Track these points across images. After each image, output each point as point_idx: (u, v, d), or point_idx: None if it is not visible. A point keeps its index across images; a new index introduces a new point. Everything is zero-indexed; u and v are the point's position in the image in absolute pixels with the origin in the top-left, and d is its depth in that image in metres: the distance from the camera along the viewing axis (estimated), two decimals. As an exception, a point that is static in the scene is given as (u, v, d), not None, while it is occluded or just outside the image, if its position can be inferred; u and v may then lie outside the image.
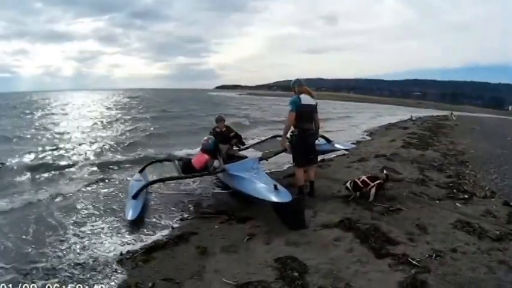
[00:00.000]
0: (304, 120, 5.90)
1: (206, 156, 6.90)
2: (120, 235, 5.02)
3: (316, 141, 6.75)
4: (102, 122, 22.53)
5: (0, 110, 33.37)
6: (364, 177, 5.89)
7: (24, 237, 4.93)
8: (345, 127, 22.18)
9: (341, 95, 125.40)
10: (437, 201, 5.92)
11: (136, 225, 5.28)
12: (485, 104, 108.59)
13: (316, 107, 6.11)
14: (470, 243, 4.25)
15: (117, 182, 7.95)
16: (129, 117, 26.10)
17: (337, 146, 8.36)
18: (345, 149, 9.15)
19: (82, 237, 4.91)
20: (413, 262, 3.72)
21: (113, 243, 4.72)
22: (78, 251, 4.49)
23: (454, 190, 6.51)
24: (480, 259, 3.85)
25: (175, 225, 5.39)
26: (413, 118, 27.87)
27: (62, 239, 4.86)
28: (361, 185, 5.79)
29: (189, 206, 6.33)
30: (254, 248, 4.30)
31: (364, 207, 5.49)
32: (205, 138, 7.22)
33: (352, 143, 11.25)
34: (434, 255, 3.89)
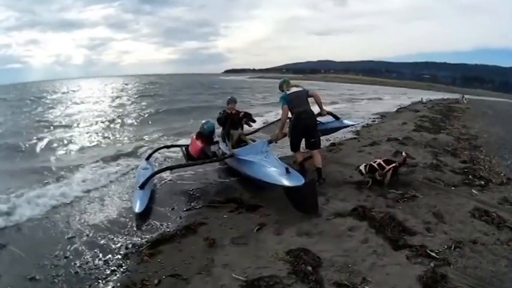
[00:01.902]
0: (297, 105, 6.00)
1: (200, 145, 6.63)
2: (126, 227, 4.80)
3: (324, 119, 7.31)
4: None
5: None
6: (380, 161, 5.65)
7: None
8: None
9: (350, 77, 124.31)
10: (453, 188, 5.68)
11: (143, 216, 5.06)
12: (495, 87, 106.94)
13: (306, 90, 6.25)
14: (490, 233, 4.07)
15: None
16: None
17: (346, 122, 8.27)
18: (354, 124, 8.99)
19: (87, 231, 4.71)
20: (432, 254, 3.55)
21: (119, 236, 4.51)
22: (82, 246, 4.29)
23: (470, 176, 6.25)
24: (500, 251, 3.68)
25: (183, 215, 5.17)
26: (424, 101, 27.42)
27: (67, 234, 4.67)
28: (377, 168, 5.54)
29: (197, 194, 6.09)
30: (265, 239, 4.08)
31: (378, 193, 5.29)
32: (204, 121, 7.02)
33: (361, 120, 11.59)
34: (453, 246, 3.73)
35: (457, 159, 7.70)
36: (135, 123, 16.11)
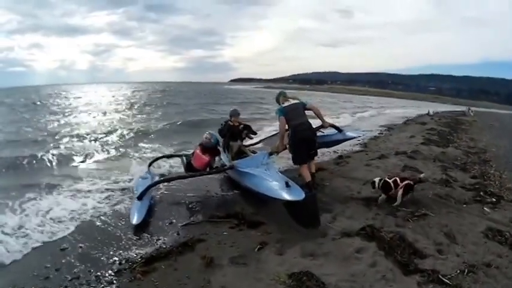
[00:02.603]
0: (293, 118, 5.99)
1: (206, 159, 6.44)
2: (121, 241, 4.54)
3: (327, 131, 7.23)
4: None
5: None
6: (396, 178, 5.35)
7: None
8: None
9: (357, 88, 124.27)
10: (464, 205, 5.39)
11: (140, 228, 4.86)
12: (501, 100, 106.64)
13: (304, 103, 6.23)
14: (503, 255, 3.82)
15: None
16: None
17: (349, 134, 7.96)
18: (357, 137, 8.65)
19: (81, 243, 4.49)
20: (445, 280, 3.27)
21: (113, 250, 4.28)
22: (75, 259, 4.08)
23: (481, 193, 5.96)
24: (514, 274, 3.42)
25: (181, 230, 4.89)
26: (431, 113, 27.19)
27: (60, 245, 4.47)
28: (392, 185, 5.24)
29: (197, 207, 5.83)
30: (266, 260, 3.80)
31: (387, 211, 5.01)
32: (207, 133, 6.74)
33: (364, 132, 11.25)
34: (466, 270, 3.46)
35: (467, 174, 7.42)
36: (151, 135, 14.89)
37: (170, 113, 24.03)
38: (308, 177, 5.95)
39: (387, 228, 4.37)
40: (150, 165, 7.64)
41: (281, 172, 5.85)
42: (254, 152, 7.36)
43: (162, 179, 6.47)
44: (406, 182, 5.25)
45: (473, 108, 34.00)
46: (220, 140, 7.10)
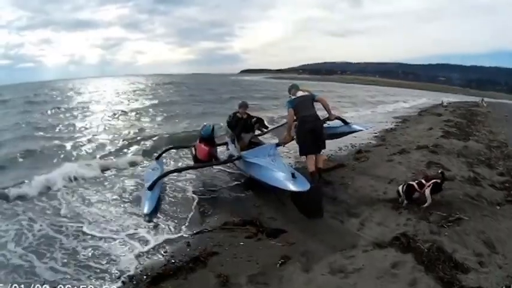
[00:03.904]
0: (302, 109, 5.99)
1: (206, 149, 6.43)
2: (126, 254, 4.12)
3: (333, 123, 7.28)
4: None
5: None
6: (421, 179, 4.92)
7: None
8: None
9: (367, 78, 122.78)
10: (498, 207, 4.92)
11: (151, 215, 4.90)
12: (510, 90, 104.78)
13: (313, 95, 6.24)
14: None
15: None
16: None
17: (355, 127, 7.89)
18: (363, 129, 8.38)
19: (83, 253, 4.13)
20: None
21: (116, 264, 3.88)
22: (76, 271, 3.76)
23: (512, 192, 5.46)
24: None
25: (192, 241, 4.39)
26: (445, 104, 26.54)
27: (61, 252, 4.15)
28: (417, 188, 4.82)
29: (209, 211, 5.42)
30: (290, 278, 3.33)
31: (419, 215, 4.53)
32: (201, 126, 7.00)
33: (371, 125, 10.67)
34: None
35: (494, 171, 6.89)
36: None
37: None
38: (312, 168, 5.89)
39: (422, 237, 3.91)
40: (159, 156, 7.72)
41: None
42: (262, 143, 7.27)
43: (172, 169, 6.57)
44: (434, 180, 4.82)
45: (486, 99, 33.24)
46: (228, 131, 7.36)
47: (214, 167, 7.19)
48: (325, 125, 6.57)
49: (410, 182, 4.92)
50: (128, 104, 24.29)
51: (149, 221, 4.93)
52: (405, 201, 4.88)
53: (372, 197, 5.38)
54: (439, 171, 5.31)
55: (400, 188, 4.95)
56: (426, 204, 4.72)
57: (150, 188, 5.62)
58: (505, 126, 14.80)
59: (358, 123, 8.67)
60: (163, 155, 7.90)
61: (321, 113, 6.21)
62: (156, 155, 8.03)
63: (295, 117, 6.05)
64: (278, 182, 4.80)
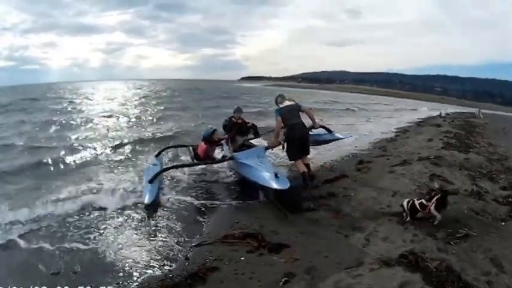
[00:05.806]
0: (289, 118, 6.57)
1: (204, 146, 7.41)
2: (119, 270, 3.88)
3: (317, 131, 7.73)
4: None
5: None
6: (422, 200, 4.70)
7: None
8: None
9: (365, 88, 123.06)
10: (502, 223, 4.72)
11: (139, 250, 4.31)
12: (505, 102, 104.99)
13: (299, 105, 6.85)
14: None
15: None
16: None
17: (337, 135, 8.55)
18: (344, 138, 9.13)
19: (74, 270, 3.91)
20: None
21: (109, 281, 3.65)
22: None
23: (515, 207, 5.29)
24: None
25: (190, 254, 4.19)
26: (443, 114, 26.84)
27: (52, 267, 3.96)
28: (419, 209, 4.64)
29: (208, 220, 5.29)
30: (294, 298, 3.08)
31: (426, 231, 4.33)
32: (208, 126, 7.91)
33: (351, 134, 11.49)
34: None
35: (496, 184, 6.69)
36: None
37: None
38: (302, 169, 6.48)
39: (430, 254, 3.70)
40: (158, 154, 8.22)
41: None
42: (253, 146, 7.97)
43: (171, 165, 7.11)
44: (436, 198, 4.62)
45: (483, 111, 33.29)
46: (222, 133, 7.93)
47: (213, 167, 7.84)
48: (310, 132, 7.04)
49: (415, 202, 4.73)
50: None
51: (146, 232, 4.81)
52: (409, 218, 4.72)
53: (376, 211, 5.19)
54: (437, 187, 5.26)
55: (405, 203, 4.78)
56: (436, 222, 4.52)
57: (151, 181, 6.08)
58: (503, 139, 14.70)
59: (340, 132, 9.31)
60: (163, 152, 8.45)
61: (306, 121, 6.79)
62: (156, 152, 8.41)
63: (283, 125, 6.56)
64: (264, 180, 5.52)
